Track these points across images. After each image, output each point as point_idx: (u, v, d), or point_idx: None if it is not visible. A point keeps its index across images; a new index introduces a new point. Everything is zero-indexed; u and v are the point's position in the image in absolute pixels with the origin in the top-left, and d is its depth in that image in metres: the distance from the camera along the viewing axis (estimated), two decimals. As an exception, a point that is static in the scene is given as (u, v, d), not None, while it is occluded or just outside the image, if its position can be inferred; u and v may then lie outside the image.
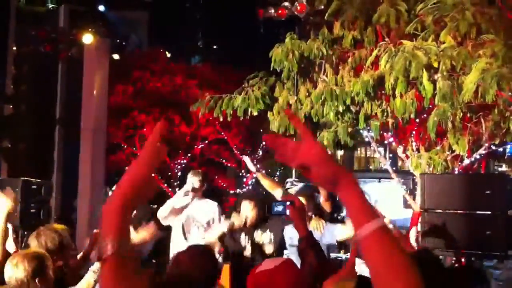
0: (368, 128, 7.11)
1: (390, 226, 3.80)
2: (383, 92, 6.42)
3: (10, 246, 4.49)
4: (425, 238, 4.87)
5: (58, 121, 11.04)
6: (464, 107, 6.08)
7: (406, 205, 7.79)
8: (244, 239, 5.20)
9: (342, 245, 6.86)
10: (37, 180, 7.38)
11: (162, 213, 5.85)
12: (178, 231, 5.90)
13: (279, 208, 3.10)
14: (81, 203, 10.74)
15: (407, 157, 7.39)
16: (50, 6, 11.72)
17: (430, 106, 6.18)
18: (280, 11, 8.83)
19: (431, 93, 5.78)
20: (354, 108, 6.80)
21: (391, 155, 11.06)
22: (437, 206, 4.92)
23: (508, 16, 5.42)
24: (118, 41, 12.13)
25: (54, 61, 10.88)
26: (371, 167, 21.18)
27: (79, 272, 3.92)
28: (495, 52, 5.28)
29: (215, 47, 32.81)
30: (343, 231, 5.01)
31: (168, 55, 21.13)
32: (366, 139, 7.69)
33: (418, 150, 7.31)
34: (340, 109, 6.60)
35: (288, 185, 6.20)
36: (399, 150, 7.55)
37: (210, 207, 5.97)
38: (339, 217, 7.19)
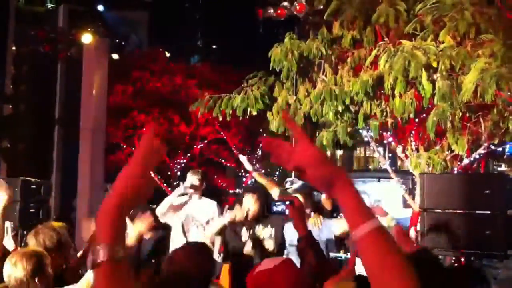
0: (368, 127, 7.11)
1: (393, 222, 3.80)
2: (382, 92, 6.42)
3: (10, 244, 4.49)
4: (424, 237, 4.87)
5: (58, 121, 11.04)
6: (463, 107, 6.08)
7: (406, 205, 7.80)
8: (245, 233, 5.20)
9: (342, 245, 6.86)
10: (36, 180, 7.38)
11: (161, 209, 5.87)
12: (178, 230, 5.91)
13: (278, 207, 3.10)
14: (80, 203, 10.73)
15: (407, 156, 7.39)
16: (49, 6, 11.72)
17: (429, 106, 6.18)
18: (279, 11, 8.84)
19: (430, 93, 5.78)
20: (353, 107, 6.80)
21: (390, 154, 11.08)
22: (437, 205, 4.92)
23: (507, 16, 5.42)
24: (117, 41, 12.13)
25: (53, 61, 10.88)
26: (370, 166, 21.18)
27: (78, 270, 3.92)
28: (494, 52, 5.29)
29: (214, 47, 32.84)
30: (340, 225, 5.02)
31: (168, 55, 21.14)
32: (366, 139, 7.70)
33: (417, 149, 7.31)
34: (340, 108, 6.61)
35: (287, 185, 6.21)
36: (399, 150, 7.56)
37: (209, 206, 5.98)
38: (339, 216, 7.20)
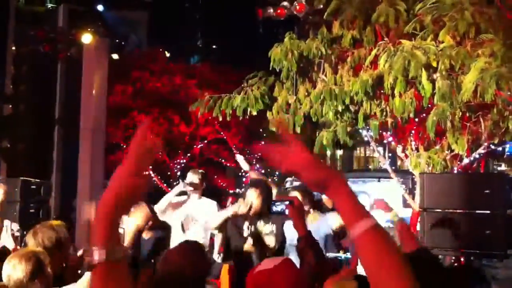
0: (367, 127, 7.11)
1: (397, 218, 3.79)
2: (382, 91, 6.42)
3: (9, 242, 4.49)
4: (424, 237, 4.87)
5: (57, 121, 11.04)
6: (463, 107, 6.08)
7: (406, 205, 7.80)
8: (246, 229, 5.20)
9: (341, 245, 6.86)
10: (36, 180, 7.39)
11: (160, 207, 5.88)
12: (178, 230, 5.91)
13: (278, 207, 3.10)
14: (80, 203, 10.73)
15: (406, 156, 7.39)
16: (49, 6, 11.74)
17: (429, 105, 6.18)
18: (279, 11, 8.84)
19: (430, 92, 5.78)
20: (353, 107, 6.80)
21: (390, 154, 11.08)
22: (436, 205, 4.92)
23: (507, 15, 5.42)
24: (117, 41, 12.12)
25: (53, 61, 10.89)
26: (370, 166, 21.17)
27: (78, 269, 3.90)
28: (494, 52, 5.29)
29: (214, 47, 32.85)
30: (336, 219, 5.03)
31: (168, 55, 21.14)
32: (366, 139, 7.70)
33: (417, 149, 7.32)
34: (339, 108, 6.60)
35: (287, 185, 6.22)
36: (398, 150, 7.56)
37: (209, 206, 5.98)
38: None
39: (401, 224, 3.71)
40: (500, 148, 8.21)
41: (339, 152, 18.09)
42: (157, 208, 5.85)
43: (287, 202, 2.92)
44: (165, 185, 15.98)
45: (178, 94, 16.24)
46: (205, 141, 16.99)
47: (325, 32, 6.88)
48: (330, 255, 5.96)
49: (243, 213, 5.15)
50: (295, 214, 2.84)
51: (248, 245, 5.09)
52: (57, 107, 11.09)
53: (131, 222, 4.29)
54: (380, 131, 6.96)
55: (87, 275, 3.35)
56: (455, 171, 6.94)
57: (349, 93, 6.44)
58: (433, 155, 6.88)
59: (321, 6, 7.28)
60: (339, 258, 7.09)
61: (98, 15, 12.43)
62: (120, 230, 4.09)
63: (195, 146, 16.99)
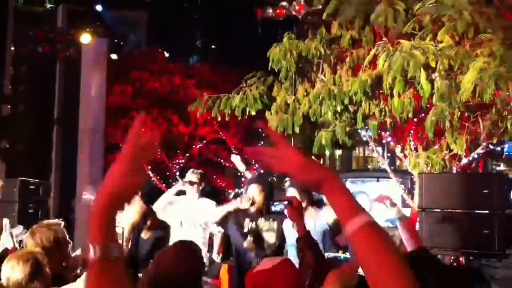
0: (366, 127, 7.11)
1: (401, 214, 3.78)
2: (381, 91, 6.42)
3: (8, 241, 4.49)
4: (423, 237, 4.87)
5: (56, 121, 11.04)
6: (462, 107, 6.08)
7: (405, 205, 7.79)
8: (247, 225, 5.21)
9: (340, 245, 6.86)
10: (35, 180, 7.40)
11: (158, 205, 5.88)
12: (177, 230, 5.90)
13: (277, 207, 3.10)
14: (79, 203, 10.72)
15: (405, 156, 7.39)
16: (48, 6, 11.74)
17: (428, 105, 6.18)
18: (278, 11, 8.84)
19: (429, 92, 5.78)
20: (352, 107, 6.80)
21: (389, 154, 11.06)
22: (435, 205, 4.92)
23: (506, 15, 5.42)
24: (116, 41, 12.10)
25: (52, 61, 10.89)
26: (369, 166, 21.14)
27: (77, 268, 3.90)
28: (492, 52, 5.29)
29: (213, 47, 32.83)
30: (330, 212, 5.04)
31: (167, 55, 21.13)
32: (364, 139, 7.70)
33: (416, 149, 7.32)
34: (338, 108, 6.61)
35: (287, 184, 6.21)
36: (397, 150, 7.56)
37: (208, 206, 5.98)
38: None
39: (405, 221, 3.70)
40: (498, 148, 8.21)
41: (338, 152, 18.07)
42: (156, 207, 5.85)
43: (286, 202, 2.92)
44: (164, 185, 15.96)
45: (177, 94, 16.22)
46: (204, 141, 16.97)
47: (324, 32, 6.88)
48: (330, 255, 5.97)
49: (245, 208, 5.17)
50: (294, 214, 2.85)
51: (249, 241, 5.09)
52: (56, 107, 11.09)
53: (127, 219, 4.26)
54: (379, 131, 6.97)
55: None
56: (454, 171, 6.94)
57: (348, 93, 6.44)
58: (432, 155, 6.89)
59: (320, 6, 7.29)
60: (339, 258, 7.09)
61: (97, 15, 12.44)
62: (119, 230, 4.09)
63: (194, 146, 16.97)
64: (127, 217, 4.28)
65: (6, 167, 10.16)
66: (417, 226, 5.28)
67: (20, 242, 4.84)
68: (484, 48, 5.43)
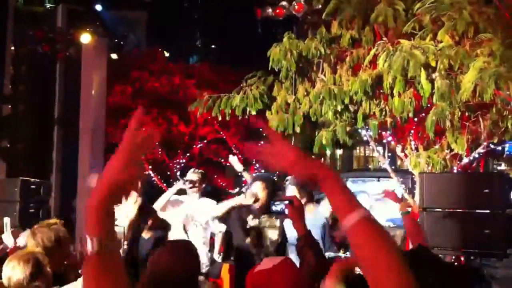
0: (367, 127, 7.12)
1: (406, 210, 3.76)
2: (381, 91, 6.43)
3: (9, 240, 4.49)
4: (423, 237, 4.87)
5: (57, 121, 11.03)
6: (462, 106, 6.09)
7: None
8: (250, 221, 5.22)
9: (341, 245, 6.86)
10: (36, 180, 7.39)
11: (159, 205, 5.88)
12: (179, 230, 5.90)
13: (277, 207, 3.10)
14: (80, 203, 10.72)
15: (406, 156, 7.40)
16: (48, 6, 11.72)
17: (429, 105, 6.18)
18: (278, 11, 8.84)
19: (429, 92, 5.78)
20: (352, 107, 6.80)
21: (390, 154, 11.06)
22: (436, 205, 4.93)
23: (505, 15, 5.42)
24: (116, 40, 12.07)
25: (52, 61, 10.87)
26: (370, 166, 21.14)
27: (79, 268, 3.90)
28: (493, 51, 5.29)
29: (213, 46, 32.79)
30: (326, 206, 5.05)
31: (167, 54, 21.12)
32: (365, 138, 7.70)
33: (416, 149, 7.32)
34: (339, 108, 6.61)
35: (287, 183, 6.21)
36: (398, 149, 7.56)
37: (209, 206, 5.98)
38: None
39: (410, 217, 3.69)
40: (499, 148, 8.23)
41: (339, 152, 18.08)
42: (156, 206, 5.85)
43: (286, 202, 2.92)
44: (164, 185, 15.96)
45: (177, 94, 16.21)
46: (205, 141, 16.97)
47: (324, 32, 6.88)
48: (330, 254, 5.97)
49: (248, 205, 5.18)
50: (295, 214, 2.84)
51: (251, 238, 5.11)
52: (57, 107, 11.08)
53: (126, 219, 4.25)
54: (380, 131, 6.97)
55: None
56: (455, 171, 6.94)
57: (348, 92, 6.44)
58: (433, 155, 6.89)
59: (320, 6, 7.29)
60: (340, 257, 7.10)
61: (97, 15, 12.40)
62: (120, 229, 4.09)
63: (194, 146, 16.96)
64: (126, 216, 4.27)
65: (7, 167, 10.15)
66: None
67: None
68: (484, 47, 5.43)
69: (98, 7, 13.08)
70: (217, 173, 18.12)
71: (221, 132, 16.38)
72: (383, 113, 6.64)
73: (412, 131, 7.43)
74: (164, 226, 5.87)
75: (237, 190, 18.10)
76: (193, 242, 5.67)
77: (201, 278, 3.00)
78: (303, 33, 8.22)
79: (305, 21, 8.64)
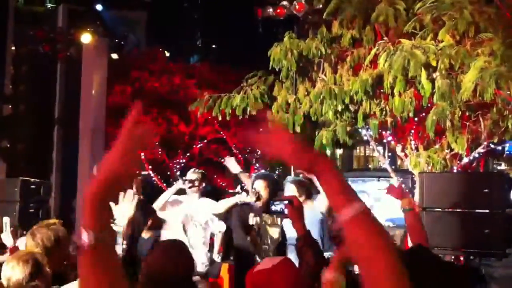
0: (367, 127, 7.11)
1: (409, 206, 3.73)
2: (381, 91, 6.43)
3: (8, 239, 4.49)
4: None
5: (57, 121, 11.03)
6: (463, 106, 6.08)
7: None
8: (251, 219, 5.22)
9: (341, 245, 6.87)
10: (36, 180, 7.39)
11: (158, 204, 5.88)
12: (179, 230, 5.90)
13: (277, 207, 3.09)
14: (80, 203, 10.71)
15: (406, 156, 7.39)
16: (49, 6, 11.72)
17: (429, 104, 6.18)
18: (278, 10, 8.84)
19: (429, 91, 5.78)
20: (352, 107, 6.80)
21: (390, 154, 11.07)
22: (436, 204, 4.93)
23: (506, 14, 5.42)
24: (116, 40, 12.07)
25: (53, 61, 10.87)
26: (370, 166, 21.15)
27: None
28: (493, 51, 5.29)
29: (213, 46, 32.79)
30: (322, 200, 5.05)
31: (167, 54, 21.11)
32: (365, 138, 7.70)
33: (417, 148, 7.32)
34: (339, 108, 6.61)
35: (286, 182, 6.21)
36: (398, 149, 7.56)
37: (208, 206, 5.98)
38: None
39: (412, 214, 3.67)
40: (499, 147, 8.22)
41: (339, 152, 18.07)
42: (156, 206, 5.86)
43: (286, 202, 2.92)
44: (164, 184, 15.96)
45: (177, 94, 16.20)
46: (205, 141, 16.97)
47: (325, 31, 6.88)
48: (330, 254, 5.97)
49: (249, 202, 5.19)
50: (294, 214, 2.84)
51: (252, 236, 5.11)
52: (57, 107, 11.08)
53: (124, 218, 4.23)
54: (380, 131, 6.97)
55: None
56: (455, 170, 6.94)
57: (349, 92, 6.44)
58: (433, 155, 6.89)
59: (321, 6, 7.29)
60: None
61: (97, 15, 12.39)
62: (119, 228, 4.08)
63: (194, 146, 16.96)
64: (124, 216, 4.26)
65: (7, 167, 10.15)
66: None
67: None
68: (484, 47, 5.43)
69: (99, 7, 13.07)
70: (217, 173, 18.11)
71: (221, 132, 16.38)
72: (384, 112, 6.64)
73: (412, 131, 7.43)
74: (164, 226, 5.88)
75: (238, 189, 18.12)
76: (193, 242, 5.71)
77: (196, 278, 2.99)
78: (304, 33, 8.21)
79: (306, 20, 8.64)
